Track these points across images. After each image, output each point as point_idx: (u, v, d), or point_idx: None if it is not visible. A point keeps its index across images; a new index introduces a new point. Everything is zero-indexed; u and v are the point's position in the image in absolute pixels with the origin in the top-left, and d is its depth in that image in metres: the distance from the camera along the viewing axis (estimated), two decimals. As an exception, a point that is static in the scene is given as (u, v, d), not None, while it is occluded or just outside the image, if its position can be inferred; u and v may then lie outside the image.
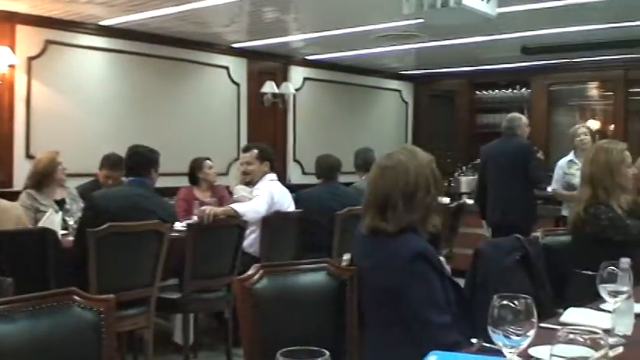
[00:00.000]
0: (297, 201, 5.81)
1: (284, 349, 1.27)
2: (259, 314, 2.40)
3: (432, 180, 2.59)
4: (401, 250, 2.49)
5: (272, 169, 5.64)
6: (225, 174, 8.05)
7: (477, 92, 10.84)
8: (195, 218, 5.07)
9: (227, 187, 6.55)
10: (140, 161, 4.77)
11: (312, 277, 2.62)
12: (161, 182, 5.23)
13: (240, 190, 5.70)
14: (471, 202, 7.80)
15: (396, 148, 2.68)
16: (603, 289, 2.21)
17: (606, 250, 3.07)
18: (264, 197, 5.29)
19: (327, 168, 6.03)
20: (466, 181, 9.17)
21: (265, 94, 8.91)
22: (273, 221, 5.31)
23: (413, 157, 2.60)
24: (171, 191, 6.31)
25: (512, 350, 1.63)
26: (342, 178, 6.32)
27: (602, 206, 3.54)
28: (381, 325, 2.57)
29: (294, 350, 1.27)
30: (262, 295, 2.43)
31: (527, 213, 6.43)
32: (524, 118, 6.92)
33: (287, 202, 5.63)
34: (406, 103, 11.34)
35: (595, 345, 1.37)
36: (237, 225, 4.98)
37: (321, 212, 5.66)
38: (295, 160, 9.55)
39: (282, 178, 7.79)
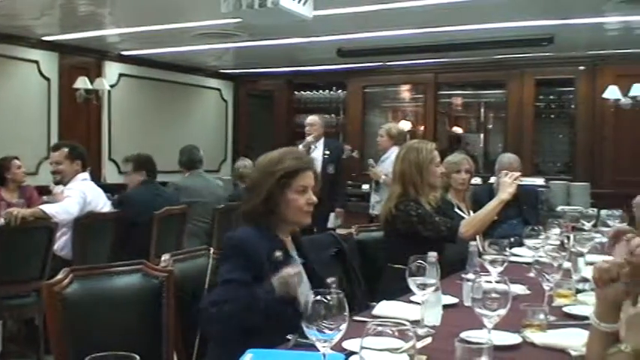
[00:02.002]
0: (121, 203, 5.63)
1: (92, 355, 1.23)
2: (70, 320, 2.31)
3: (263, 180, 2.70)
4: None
5: (84, 168, 5.43)
6: (35, 173, 7.68)
7: (296, 92, 11.05)
8: (1, 220, 4.80)
9: (36, 188, 6.25)
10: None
11: (127, 279, 2.55)
12: (-37, 183, 4.94)
13: (58, 190, 5.46)
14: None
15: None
16: (412, 282, 2.31)
17: (416, 244, 3.23)
18: (76, 197, 5.08)
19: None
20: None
21: (78, 89, 8.58)
22: (86, 222, 5.11)
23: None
24: (-24, 192, 5.92)
25: (326, 344, 1.66)
26: (162, 177, 6.20)
27: (412, 203, 3.70)
28: None
29: (103, 356, 1.23)
30: (73, 299, 2.33)
31: None
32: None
33: (101, 203, 5.43)
34: (226, 101, 11.33)
35: (403, 336, 1.42)
36: (46, 227, 4.77)
37: (144, 213, 5.52)
38: (111, 159, 9.26)
39: (97, 178, 7.55)
